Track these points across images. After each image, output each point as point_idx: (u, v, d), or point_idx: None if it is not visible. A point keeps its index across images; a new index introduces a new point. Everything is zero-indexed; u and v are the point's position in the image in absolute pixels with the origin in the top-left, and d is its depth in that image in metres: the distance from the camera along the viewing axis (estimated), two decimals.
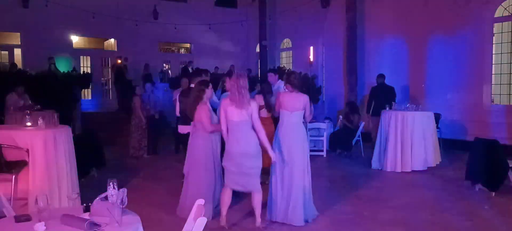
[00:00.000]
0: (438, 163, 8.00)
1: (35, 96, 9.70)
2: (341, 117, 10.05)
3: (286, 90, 5.03)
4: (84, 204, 2.66)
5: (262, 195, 4.61)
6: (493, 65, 10.07)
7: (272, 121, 6.03)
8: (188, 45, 18.21)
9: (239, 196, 5.71)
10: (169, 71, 17.16)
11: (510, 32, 9.89)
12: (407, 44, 11.70)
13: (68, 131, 5.00)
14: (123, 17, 14.82)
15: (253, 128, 4.48)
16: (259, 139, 4.48)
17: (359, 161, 8.87)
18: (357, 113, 9.99)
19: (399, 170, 7.64)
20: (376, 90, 9.96)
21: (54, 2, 13.36)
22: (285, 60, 16.90)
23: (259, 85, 7.58)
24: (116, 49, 16.07)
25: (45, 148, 4.58)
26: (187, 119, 5.49)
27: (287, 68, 14.03)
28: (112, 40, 16.45)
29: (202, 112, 4.84)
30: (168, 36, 16.83)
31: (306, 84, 11.49)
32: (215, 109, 5.48)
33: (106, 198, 2.52)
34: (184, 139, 5.79)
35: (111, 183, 2.51)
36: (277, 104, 5.00)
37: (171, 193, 6.14)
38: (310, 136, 9.05)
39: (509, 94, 10.02)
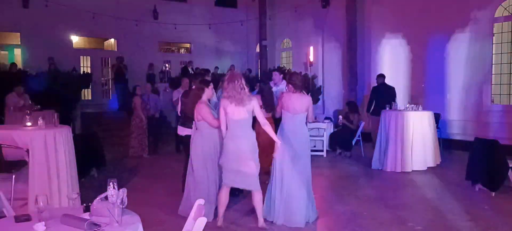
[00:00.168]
0: (438, 163, 8.02)
1: (35, 96, 9.71)
2: (341, 116, 10.06)
3: (288, 90, 5.01)
4: (84, 204, 2.66)
5: (262, 194, 4.61)
6: (493, 65, 10.07)
7: (273, 121, 6.02)
8: (188, 45, 18.18)
9: (239, 196, 5.73)
10: (170, 71, 17.15)
11: (510, 32, 9.89)
12: (407, 44, 11.70)
13: (68, 131, 4.98)
14: (123, 17, 14.80)
15: (257, 124, 4.48)
16: (265, 131, 4.49)
17: (359, 161, 8.87)
18: (357, 113, 10.00)
19: (399, 170, 7.64)
20: (376, 90, 9.96)
21: (54, 2, 13.35)
22: (285, 60, 16.89)
23: (259, 85, 7.58)
24: (116, 49, 16.04)
25: (45, 148, 4.57)
26: (187, 119, 5.48)
27: (287, 68, 14.01)
28: (112, 40, 16.44)
29: (203, 110, 4.84)
30: (168, 36, 16.80)
31: (306, 84, 11.48)
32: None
33: (106, 198, 2.52)
34: (184, 139, 5.78)
35: (111, 183, 2.51)
36: (279, 105, 4.97)
37: (171, 193, 6.14)
38: (310, 136, 9.01)
39: (509, 94, 10.02)
